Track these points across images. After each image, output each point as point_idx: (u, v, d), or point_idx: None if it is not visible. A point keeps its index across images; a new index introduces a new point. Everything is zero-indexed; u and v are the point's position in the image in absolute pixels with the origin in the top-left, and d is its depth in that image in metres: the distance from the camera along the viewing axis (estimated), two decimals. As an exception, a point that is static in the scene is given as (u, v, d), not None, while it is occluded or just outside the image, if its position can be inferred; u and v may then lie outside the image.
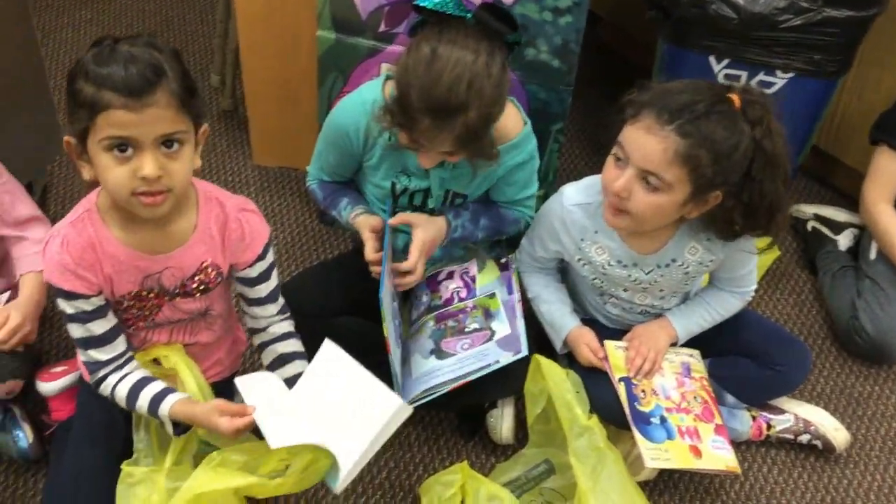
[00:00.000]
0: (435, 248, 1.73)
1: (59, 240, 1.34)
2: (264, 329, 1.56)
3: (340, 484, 1.36)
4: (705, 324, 1.79)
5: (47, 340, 1.91)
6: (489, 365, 1.62)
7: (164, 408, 1.39)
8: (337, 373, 1.42)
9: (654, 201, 1.50)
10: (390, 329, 1.58)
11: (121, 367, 1.43)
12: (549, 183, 2.01)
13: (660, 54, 2.17)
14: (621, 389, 1.67)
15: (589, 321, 1.81)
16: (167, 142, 1.25)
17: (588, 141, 2.55)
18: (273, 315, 1.55)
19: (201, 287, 1.45)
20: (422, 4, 1.49)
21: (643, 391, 1.69)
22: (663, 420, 1.66)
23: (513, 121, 1.68)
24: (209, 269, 1.44)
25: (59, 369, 1.72)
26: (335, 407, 1.39)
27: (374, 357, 1.74)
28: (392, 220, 1.66)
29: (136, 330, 1.47)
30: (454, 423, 1.88)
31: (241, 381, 1.47)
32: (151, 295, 1.42)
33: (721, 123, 1.44)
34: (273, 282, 1.53)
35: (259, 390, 1.44)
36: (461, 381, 1.60)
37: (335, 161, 1.76)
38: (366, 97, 1.65)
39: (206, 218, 1.41)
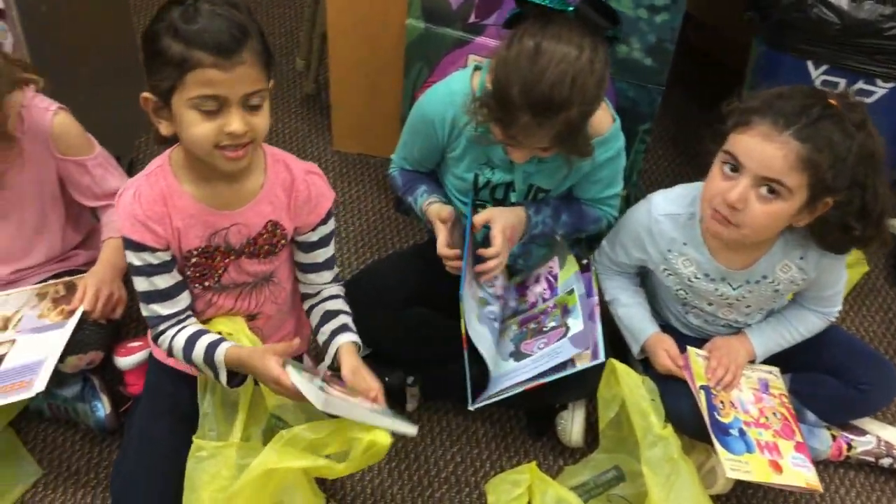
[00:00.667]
0: (517, 237, 1.69)
1: (131, 191, 1.38)
2: (316, 294, 1.57)
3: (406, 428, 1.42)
4: (785, 343, 1.74)
5: (125, 315, 1.94)
6: (563, 364, 1.59)
7: (220, 353, 1.40)
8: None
9: (770, 210, 1.46)
10: (471, 323, 1.56)
11: (180, 321, 1.45)
12: (633, 184, 1.97)
13: (754, 56, 2.11)
14: (701, 398, 1.63)
15: (666, 328, 1.77)
16: (250, 98, 1.28)
17: (673, 143, 2.50)
18: (327, 282, 1.56)
19: (266, 247, 1.46)
20: None
21: (722, 402, 1.65)
22: (742, 433, 1.61)
23: (603, 115, 1.64)
24: (274, 230, 1.45)
25: (135, 344, 1.75)
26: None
27: (441, 350, 1.74)
28: (477, 219, 1.64)
29: (203, 291, 1.49)
30: (523, 422, 1.86)
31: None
32: (218, 252, 1.44)
33: (836, 126, 1.40)
34: (331, 249, 1.54)
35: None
36: (535, 384, 1.58)
37: (419, 150, 1.75)
38: (454, 88, 1.64)
39: (273, 178, 1.43)
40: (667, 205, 1.65)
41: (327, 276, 1.56)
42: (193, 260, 1.44)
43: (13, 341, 1.61)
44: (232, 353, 1.40)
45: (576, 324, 1.65)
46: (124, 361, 1.74)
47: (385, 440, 1.36)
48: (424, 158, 1.77)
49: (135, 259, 1.40)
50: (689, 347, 1.71)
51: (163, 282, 1.41)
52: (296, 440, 1.39)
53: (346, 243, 2.20)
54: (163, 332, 1.45)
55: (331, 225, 1.52)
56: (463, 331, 1.54)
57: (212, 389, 1.50)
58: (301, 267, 1.55)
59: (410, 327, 1.76)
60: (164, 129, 1.32)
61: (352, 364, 1.46)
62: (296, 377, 1.33)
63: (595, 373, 1.63)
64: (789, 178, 1.42)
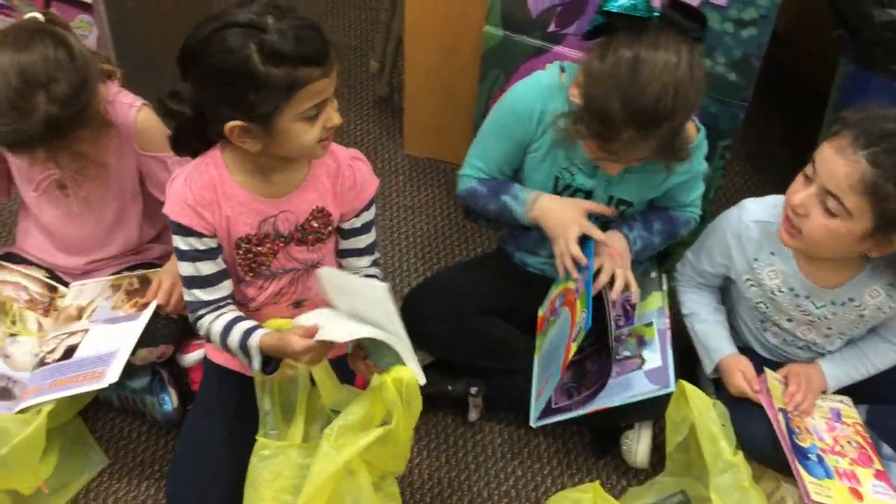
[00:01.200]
0: (627, 261, 1.67)
1: (182, 177, 1.40)
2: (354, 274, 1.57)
3: (419, 374, 1.34)
4: (857, 376, 1.68)
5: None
6: (633, 395, 1.57)
7: (254, 339, 1.41)
8: (343, 289, 1.41)
9: (829, 225, 1.42)
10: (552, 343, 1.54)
11: (219, 307, 1.46)
12: (710, 201, 1.93)
13: (841, 76, 2.04)
14: (780, 420, 1.58)
15: (743, 350, 1.72)
16: None
17: (752, 161, 2.43)
18: (368, 265, 1.57)
19: (313, 234, 1.47)
20: (611, 9, 1.43)
21: (798, 427, 1.60)
22: (820, 459, 1.56)
23: (690, 125, 1.61)
24: (320, 216, 1.46)
25: (197, 341, 1.76)
26: (362, 313, 1.37)
27: (507, 361, 1.72)
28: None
29: (254, 278, 1.50)
30: (586, 439, 1.83)
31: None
32: (268, 239, 1.45)
33: None
34: (372, 235, 1.55)
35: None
36: (601, 407, 1.55)
37: (501, 151, 1.69)
38: (543, 81, 1.62)
39: (319, 165, 1.45)
40: (758, 211, 1.61)
41: (367, 260, 1.56)
42: (244, 247, 1.45)
43: (86, 331, 1.64)
44: (265, 341, 1.41)
45: (652, 357, 1.62)
46: (188, 358, 1.76)
47: (407, 374, 1.32)
48: (506, 160, 1.70)
49: (182, 243, 1.42)
50: (766, 370, 1.66)
51: (206, 268, 1.43)
52: (347, 428, 1.37)
53: (412, 248, 2.19)
54: (201, 316, 1.46)
55: (373, 212, 1.53)
56: (538, 344, 1.52)
57: (270, 388, 1.51)
58: (342, 253, 1.55)
59: (476, 337, 1.74)
60: (253, 146, 1.33)
61: None
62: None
63: (665, 394, 1.60)
64: (849, 199, 1.38)
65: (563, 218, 1.63)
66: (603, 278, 1.62)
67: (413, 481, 1.73)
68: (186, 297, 1.47)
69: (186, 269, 1.44)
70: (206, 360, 1.66)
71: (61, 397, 1.55)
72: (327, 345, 1.35)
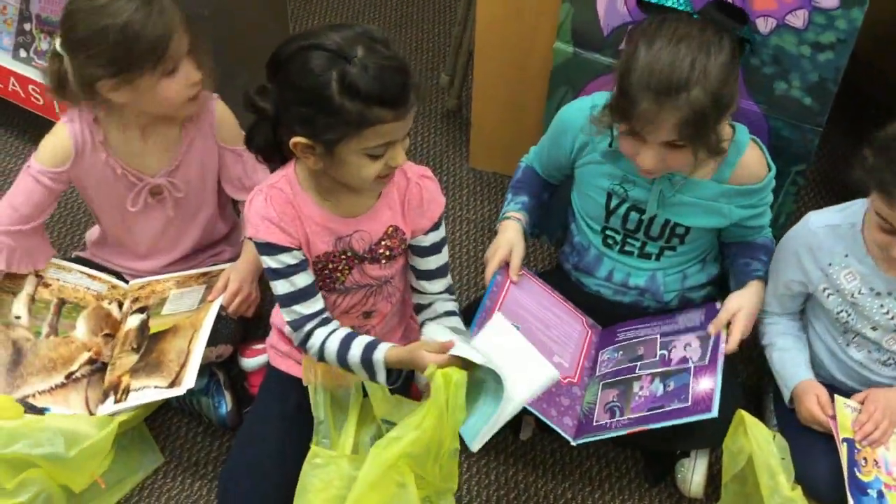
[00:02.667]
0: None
1: (262, 196, 1.41)
2: (429, 305, 1.56)
3: (478, 441, 1.36)
4: None
5: (256, 313, 1.98)
6: (671, 418, 1.52)
7: (379, 354, 1.41)
8: (503, 340, 1.43)
9: None
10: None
11: (325, 321, 1.46)
12: (780, 226, 1.87)
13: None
14: (843, 451, 1.53)
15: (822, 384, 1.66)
16: None
17: (826, 186, 2.37)
18: (439, 292, 1.55)
19: (387, 253, 1.47)
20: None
21: (865, 458, 1.54)
22: (881, 495, 1.50)
23: (758, 162, 1.58)
24: (394, 234, 1.46)
25: (260, 346, 1.78)
26: (503, 363, 1.36)
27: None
28: (712, 329, 1.62)
29: (328, 293, 1.51)
30: (640, 464, 1.79)
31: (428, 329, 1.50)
32: (343, 257, 1.45)
33: None
34: (443, 257, 1.53)
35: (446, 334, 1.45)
36: (640, 429, 1.52)
37: (549, 156, 1.75)
38: (596, 101, 1.62)
39: (391, 184, 1.45)
40: (825, 217, 1.57)
41: (439, 284, 1.55)
42: (320, 264, 1.46)
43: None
44: (391, 353, 1.41)
45: (703, 382, 1.57)
46: (249, 362, 1.78)
47: (458, 375, 1.31)
48: (552, 165, 1.76)
49: (272, 262, 1.42)
50: (836, 396, 1.60)
51: (302, 281, 1.43)
52: (394, 440, 1.37)
53: (472, 263, 2.19)
54: (310, 332, 1.46)
55: (441, 232, 1.52)
56: (579, 362, 1.50)
57: (324, 398, 1.51)
58: (415, 273, 1.55)
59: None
60: (313, 164, 1.35)
61: None
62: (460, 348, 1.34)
63: (720, 421, 1.56)
64: None
65: (500, 241, 1.68)
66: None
67: (462, 497, 1.72)
68: (287, 317, 1.47)
69: (282, 286, 1.44)
70: (268, 366, 1.68)
71: (140, 405, 1.59)
72: (459, 361, 1.34)
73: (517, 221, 1.71)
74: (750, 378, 1.91)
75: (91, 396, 1.65)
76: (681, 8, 1.47)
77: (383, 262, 1.49)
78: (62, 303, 1.74)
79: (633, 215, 1.64)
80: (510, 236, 1.69)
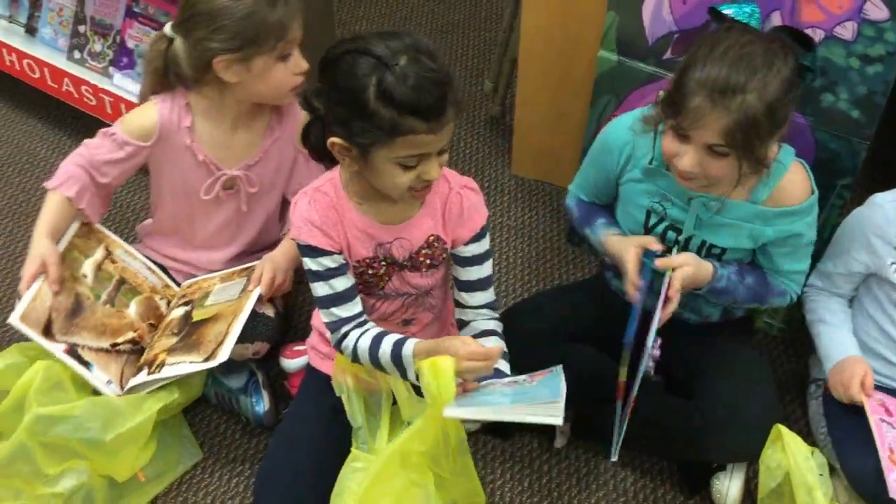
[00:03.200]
0: (695, 286, 1.61)
1: (307, 199, 1.44)
2: (469, 323, 1.57)
3: (452, 412, 1.35)
4: None
5: (296, 318, 2.02)
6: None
7: (408, 348, 1.42)
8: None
9: None
10: (624, 375, 1.50)
11: (361, 324, 1.48)
12: (824, 239, 1.85)
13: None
14: (886, 434, 1.52)
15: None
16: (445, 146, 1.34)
17: (872, 199, 2.33)
18: (480, 306, 1.55)
19: (427, 261, 1.48)
20: (722, 10, 1.42)
21: None
22: None
23: (801, 185, 1.55)
24: (435, 243, 1.47)
25: (301, 347, 1.81)
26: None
27: (598, 390, 1.69)
28: (660, 263, 1.57)
29: (367, 298, 1.52)
30: (675, 476, 1.77)
31: None
32: (383, 264, 1.47)
33: None
34: (485, 270, 1.53)
35: None
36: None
37: (594, 180, 1.73)
38: (637, 116, 1.61)
39: (434, 193, 1.45)
40: (891, 194, 1.58)
41: (479, 298, 1.55)
42: (360, 270, 1.48)
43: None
44: (420, 347, 1.42)
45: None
46: (290, 364, 1.81)
47: (444, 362, 1.31)
48: (599, 189, 1.74)
49: (313, 265, 1.44)
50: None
51: (341, 284, 1.45)
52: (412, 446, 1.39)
53: (512, 269, 2.19)
54: (346, 334, 1.48)
55: (484, 244, 1.52)
56: (621, 378, 1.49)
57: (358, 404, 1.53)
58: (456, 283, 1.55)
59: (567, 363, 1.71)
60: (348, 166, 1.37)
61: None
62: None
63: (758, 433, 1.56)
64: None
65: (623, 246, 1.62)
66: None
67: (494, 503, 1.72)
68: (326, 319, 1.49)
69: (321, 289, 1.46)
70: (308, 367, 1.70)
71: (173, 378, 1.62)
72: (489, 355, 1.36)
73: (616, 233, 1.70)
74: (791, 366, 1.91)
75: (126, 372, 1.68)
76: (752, 24, 1.46)
77: (423, 270, 1.50)
78: (122, 281, 1.79)
79: (671, 234, 1.63)
80: (625, 240, 1.65)
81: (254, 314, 1.66)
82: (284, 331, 1.83)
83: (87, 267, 1.74)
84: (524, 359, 1.73)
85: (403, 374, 1.44)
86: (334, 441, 1.55)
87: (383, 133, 1.27)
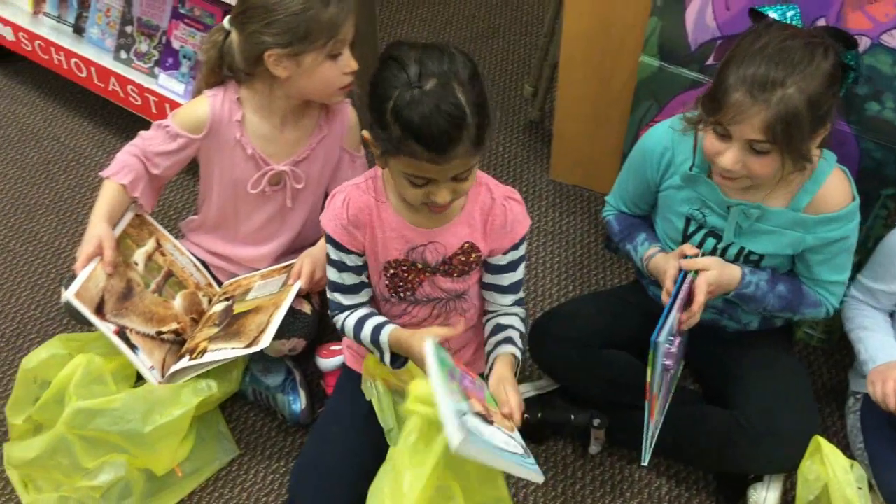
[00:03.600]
0: (720, 293, 1.60)
1: (342, 196, 1.47)
2: (495, 312, 1.58)
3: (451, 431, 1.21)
4: None
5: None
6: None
7: (384, 334, 1.46)
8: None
9: None
10: (655, 378, 1.50)
11: (356, 309, 1.53)
12: (868, 250, 1.82)
13: None
14: None
15: None
16: (459, 175, 1.33)
17: (917, 210, 2.29)
18: (510, 304, 1.56)
19: (460, 267, 1.49)
20: (764, 11, 1.42)
21: None
22: None
23: (842, 192, 1.53)
24: (470, 251, 1.48)
25: (336, 347, 1.82)
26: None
27: (632, 397, 1.68)
28: (685, 263, 1.57)
29: (399, 301, 1.54)
30: (712, 486, 1.76)
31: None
32: (415, 267, 1.48)
33: None
34: (518, 274, 1.54)
35: None
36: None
37: (633, 189, 1.73)
38: (676, 124, 1.60)
39: (473, 201, 1.46)
40: None
41: (510, 299, 1.56)
42: (392, 271, 1.49)
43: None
44: (394, 335, 1.45)
45: None
46: (326, 363, 1.82)
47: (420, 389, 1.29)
48: (639, 198, 1.73)
49: (332, 253, 1.50)
50: None
51: (349, 280, 1.51)
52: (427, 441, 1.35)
53: (548, 273, 2.19)
54: (338, 315, 1.54)
55: (521, 250, 1.52)
56: (648, 379, 1.48)
57: (388, 406, 1.54)
58: (486, 286, 1.56)
59: (603, 368, 1.72)
60: (380, 162, 1.39)
61: (500, 374, 1.44)
62: (435, 372, 1.24)
63: (796, 445, 1.55)
64: None
65: (666, 264, 1.61)
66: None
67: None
68: (329, 297, 1.54)
69: (332, 274, 1.52)
70: (343, 366, 1.72)
71: (215, 364, 1.64)
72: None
73: (657, 250, 1.69)
74: (831, 378, 1.89)
75: (168, 361, 1.71)
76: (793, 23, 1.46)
77: (455, 275, 1.51)
78: (170, 274, 1.82)
79: (710, 241, 1.62)
80: (667, 258, 1.63)
81: (291, 311, 1.67)
82: (321, 329, 1.84)
83: (139, 255, 1.78)
84: (557, 363, 1.74)
85: (381, 358, 1.49)
86: (370, 440, 1.55)
87: (391, 145, 1.29)
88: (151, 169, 1.75)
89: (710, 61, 1.83)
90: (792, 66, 1.36)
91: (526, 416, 1.78)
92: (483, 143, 1.30)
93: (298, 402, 1.78)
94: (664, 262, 1.62)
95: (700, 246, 1.63)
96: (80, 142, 2.54)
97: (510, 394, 1.40)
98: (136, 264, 1.76)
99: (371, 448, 1.54)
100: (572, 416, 1.76)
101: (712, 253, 1.63)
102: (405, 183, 1.34)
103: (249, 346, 1.61)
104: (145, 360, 1.66)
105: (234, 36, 1.64)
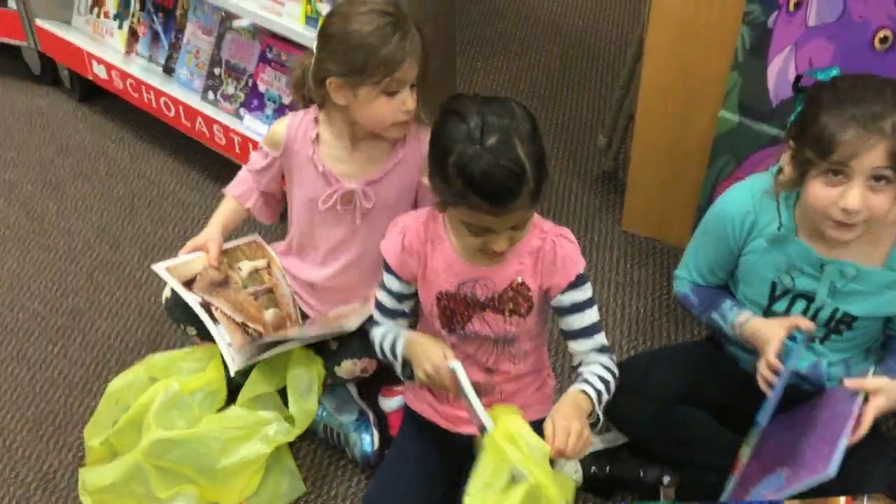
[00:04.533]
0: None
1: (399, 226, 1.54)
2: (578, 363, 1.55)
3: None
4: None
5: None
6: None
7: (400, 343, 1.53)
8: None
9: None
10: (747, 454, 1.46)
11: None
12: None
13: None
14: None
15: None
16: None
17: None
18: (588, 350, 1.54)
19: (510, 305, 1.49)
20: (811, 74, 1.44)
21: None
22: None
23: None
24: (520, 288, 1.48)
25: (399, 387, 1.83)
26: None
27: (704, 455, 1.65)
28: (851, 383, 1.49)
29: (449, 334, 1.55)
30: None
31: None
32: (465, 301, 1.50)
33: None
34: (587, 317, 1.52)
35: None
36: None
37: (713, 256, 1.66)
38: (755, 185, 1.58)
39: (525, 241, 1.47)
40: None
41: (587, 344, 1.53)
42: (443, 302, 1.52)
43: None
44: (409, 336, 1.52)
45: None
46: (388, 403, 1.85)
47: (512, 424, 1.34)
48: (718, 266, 1.67)
49: (384, 277, 1.57)
50: None
51: (390, 303, 1.58)
52: (484, 486, 1.33)
53: (618, 326, 2.17)
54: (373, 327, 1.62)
55: (585, 293, 1.51)
56: (743, 458, 1.45)
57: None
58: (563, 334, 1.56)
59: (675, 425, 1.69)
60: (439, 208, 1.44)
61: (562, 410, 1.40)
62: (465, 381, 1.37)
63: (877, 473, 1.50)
64: None
65: (769, 330, 1.55)
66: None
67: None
68: (372, 311, 1.62)
69: (379, 295, 1.60)
70: (406, 407, 1.73)
71: (302, 341, 1.75)
72: (453, 379, 1.40)
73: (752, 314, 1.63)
74: None
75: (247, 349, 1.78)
76: None
77: (506, 314, 1.51)
78: (270, 290, 1.89)
79: (800, 303, 1.58)
80: (771, 323, 1.59)
81: (364, 333, 1.70)
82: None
83: (245, 265, 1.88)
84: (628, 418, 1.71)
85: (392, 367, 1.54)
86: (433, 484, 1.56)
87: (453, 196, 1.34)
88: (257, 185, 1.87)
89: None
90: (892, 97, 1.37)
91: (594, 469, 1.77)
92: (540, 196, 1.35)
93: (370, 443, 1.79)
94: (766, 329, 1.56)
95: (788, 310, 1.60)
96: (164, 178, 2.63)
97: (556, 420, 1.36)
98: (240, 269, 1.85)
99: (438, 488, 1.54)
100: (641, 473, 1.74)
101: (803, 314, 1.58)
102: (464, 231, 1.39)
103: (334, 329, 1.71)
104: (225, 336, 1.72)
105: (312, 57, 1.70)
